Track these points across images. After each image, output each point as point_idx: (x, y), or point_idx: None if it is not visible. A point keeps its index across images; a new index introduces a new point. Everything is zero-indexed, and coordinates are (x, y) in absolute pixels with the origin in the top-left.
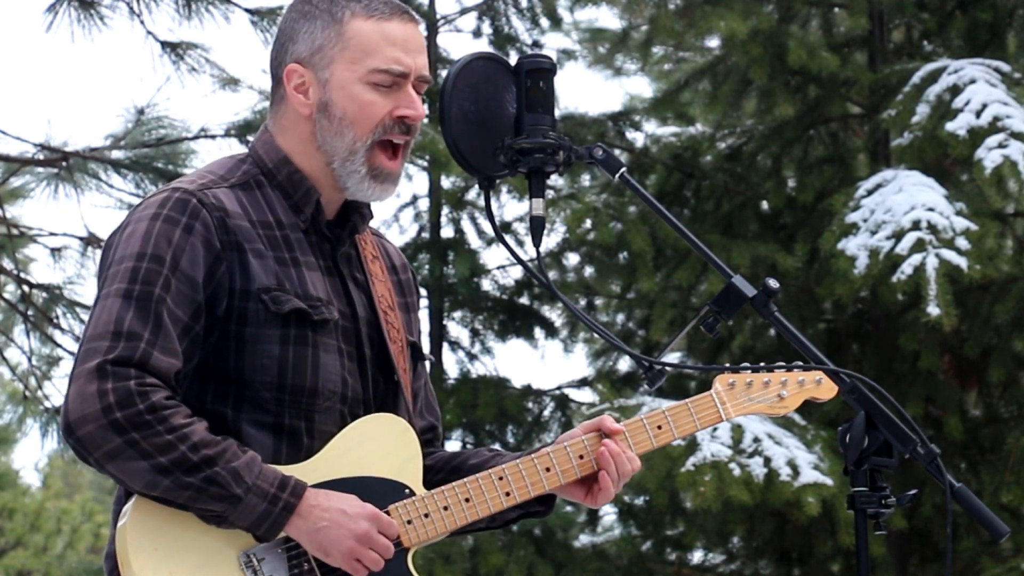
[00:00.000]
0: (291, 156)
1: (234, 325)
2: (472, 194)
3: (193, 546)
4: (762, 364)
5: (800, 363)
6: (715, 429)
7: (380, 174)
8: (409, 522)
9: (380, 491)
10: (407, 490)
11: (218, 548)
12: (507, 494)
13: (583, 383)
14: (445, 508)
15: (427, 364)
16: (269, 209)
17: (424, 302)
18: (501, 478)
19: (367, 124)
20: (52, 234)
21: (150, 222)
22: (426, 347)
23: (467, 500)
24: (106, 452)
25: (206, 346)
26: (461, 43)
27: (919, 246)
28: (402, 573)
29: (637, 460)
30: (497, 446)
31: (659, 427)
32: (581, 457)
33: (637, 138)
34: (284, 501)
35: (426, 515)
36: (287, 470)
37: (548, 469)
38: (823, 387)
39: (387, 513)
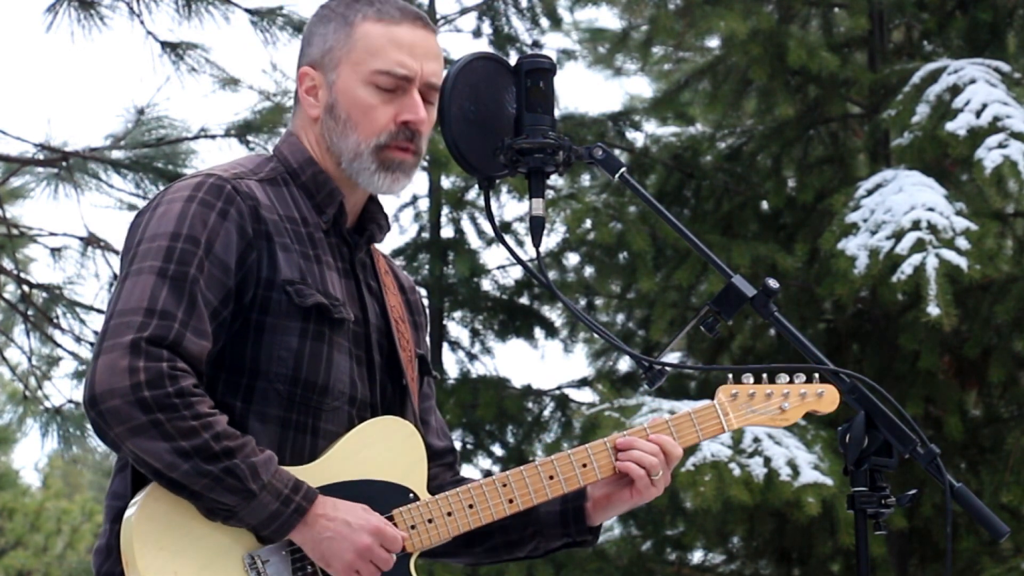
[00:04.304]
0: (314, 157)
1: (256, 314)
2: (472, 194)
3: (199, 545)
4: (762, 365)
5: (800, 365)
6: None
7: (391, 164)
8: (413, 527)
9: (385, 495)
10: (411, 494)
11: (223, 549)
12: (510, 501)
13: (583, 383)
14: (449, 514)
15: (432, 384)
16: (295, 206)
17: (424, 302)
18: (505, 485)
19: (370, 128)
20: (52, 234)
21: (185, 203)
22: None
23: (471, 506)
24: (129, 428)
25: (230, 333)
26: (461, 43)
27: (919, 246)
28: None
29: (664, 446)
30: (497, 446)
31: None
32: (584, 465)
33: (637, 138)
34: (296, 504)
35: (430, 520)
36: (296, 472)
37: (552, 477)
38: (824, 400)
39: (391, 517)
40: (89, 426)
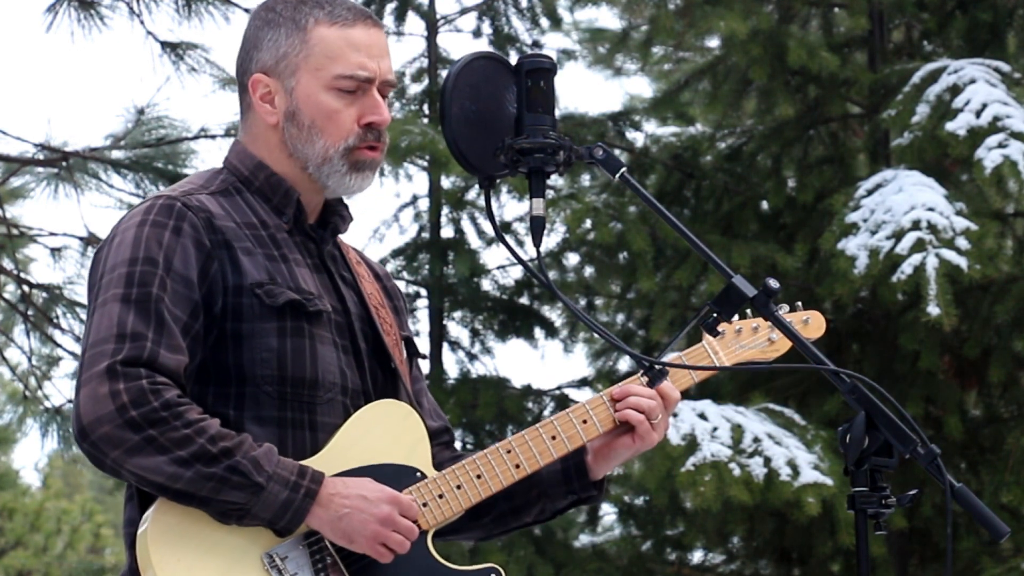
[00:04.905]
0: (265, 162)
1: (230, 322)
2: (472, 194)
3: (216, 552)
4: (761, 365)
5: (801, 365)
6: (715, 428)
7: (362, 164)
8: (425, 504)
9: (392, 477)
10: (418, 473)
11: (241, 551)
12: (517, 466)
13: (583, 383)
14: (458, 487)
15: (423, 366)
16: (252, 212)
17: (424, 302)
18: (509, 451)
19: (336, 133)
20: (52, 234)
21: (138, 228)
22: (424, 349)
23: (479, 477)
24: (125, 450)
25: (206, 346)
26: (461, 43)
27: (919, 246)
28: (423, 555)
29: (661, 390)
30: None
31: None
32: (584, 421)
33: (637, 138)
34: (305, 488)
35: (440, 496)
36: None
37: (554, 437)
38: (811, 326)
39: None
40: None
